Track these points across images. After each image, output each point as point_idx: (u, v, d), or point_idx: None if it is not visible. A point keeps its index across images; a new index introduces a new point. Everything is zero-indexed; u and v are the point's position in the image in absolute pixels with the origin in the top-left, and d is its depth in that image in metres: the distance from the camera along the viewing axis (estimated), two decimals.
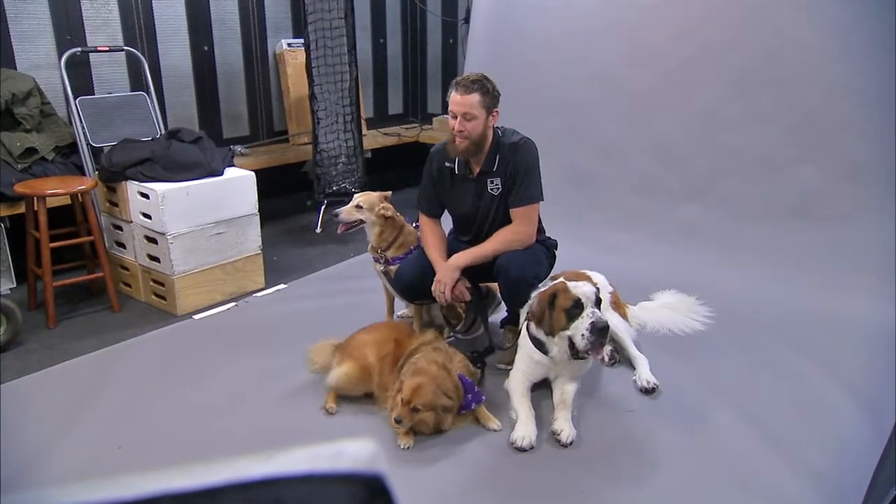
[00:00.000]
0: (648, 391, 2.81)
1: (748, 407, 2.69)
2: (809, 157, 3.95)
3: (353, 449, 0.42)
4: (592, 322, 2.40)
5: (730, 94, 4.18)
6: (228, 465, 0.39)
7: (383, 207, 3.16)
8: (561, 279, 2.60)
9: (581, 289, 2.46)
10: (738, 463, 2.36)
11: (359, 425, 2.57)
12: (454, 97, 2.80)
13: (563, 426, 2.49)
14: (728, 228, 4.17)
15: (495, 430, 2.54)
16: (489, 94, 2.80)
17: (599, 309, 2.46)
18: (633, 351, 3.02)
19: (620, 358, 3.07)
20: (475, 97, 2.77)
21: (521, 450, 2.42)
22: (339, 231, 3.28)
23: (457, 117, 2.79)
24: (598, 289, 2.52)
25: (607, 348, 3.05)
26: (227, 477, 0.38)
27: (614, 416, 2.67)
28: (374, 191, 3.29)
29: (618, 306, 3.18)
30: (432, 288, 2.91)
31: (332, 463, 0.41)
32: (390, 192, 3.31)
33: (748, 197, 4.15)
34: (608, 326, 2.43)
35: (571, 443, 2.45)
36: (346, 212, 3.18)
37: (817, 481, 2.26)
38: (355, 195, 3.26)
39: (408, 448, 2.42)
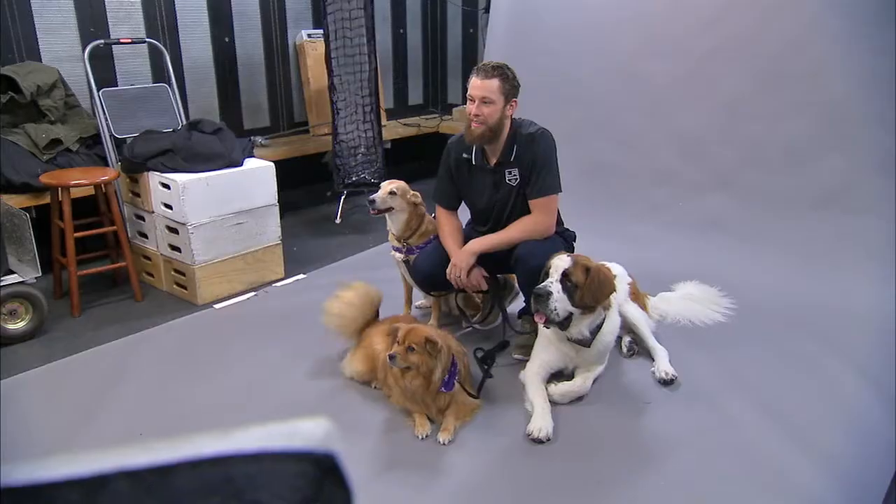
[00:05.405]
0: (667, 383, 2.79)
1: (768, 399, 2.65)
2: (835, 148, 3.88)
3: (306, 427, 0.42)
4: (536, 287, 2.54)
5: (754, 85, 4.12)
6: (181, 441, 0.39)
7: (413, 194, 3.17)
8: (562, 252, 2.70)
9: (554, 260, 2.60)
10: (757, 455, 2.33)
11: (375, 420, 2.59)
12: (474, 81, 2.79)
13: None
14: (751, 220, 4.11)
15: (441, 442, 2.42)
16: (509, 82, 2.79)
17: (570, 283, 2.52)
18: (652, 342, 2.99)
19: (639, 349, 3.05)
20: (494, 82, 2.76)
21: (539, 441, 2.41)
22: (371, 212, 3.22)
23: (474, 101, 2.78)
24: (573, 263, 2.55)
25: (626, 339, 3.05)
26: (178, 455, 0.38)
27: (632, 408, 2.66)
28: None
29: (636, 297, 3.15)
30: (447, 272, 2.91)
31: (286, 441, 0.41)
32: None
33: (772, 188, 4.10)
34: (543, 295, 2.51)
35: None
36: (381, 199, 3.11)
37: (839, 474, 2.23)
38: (384, 183, 3.23)
39: (425, 437, 2.43)
